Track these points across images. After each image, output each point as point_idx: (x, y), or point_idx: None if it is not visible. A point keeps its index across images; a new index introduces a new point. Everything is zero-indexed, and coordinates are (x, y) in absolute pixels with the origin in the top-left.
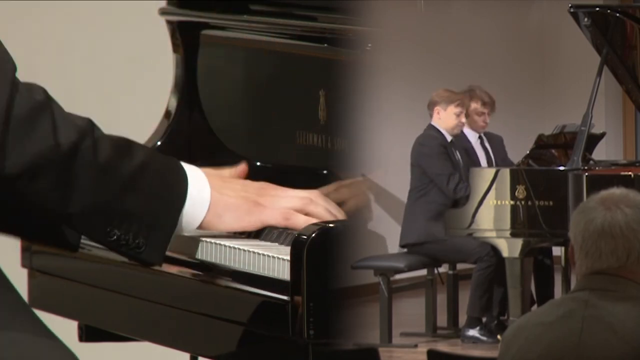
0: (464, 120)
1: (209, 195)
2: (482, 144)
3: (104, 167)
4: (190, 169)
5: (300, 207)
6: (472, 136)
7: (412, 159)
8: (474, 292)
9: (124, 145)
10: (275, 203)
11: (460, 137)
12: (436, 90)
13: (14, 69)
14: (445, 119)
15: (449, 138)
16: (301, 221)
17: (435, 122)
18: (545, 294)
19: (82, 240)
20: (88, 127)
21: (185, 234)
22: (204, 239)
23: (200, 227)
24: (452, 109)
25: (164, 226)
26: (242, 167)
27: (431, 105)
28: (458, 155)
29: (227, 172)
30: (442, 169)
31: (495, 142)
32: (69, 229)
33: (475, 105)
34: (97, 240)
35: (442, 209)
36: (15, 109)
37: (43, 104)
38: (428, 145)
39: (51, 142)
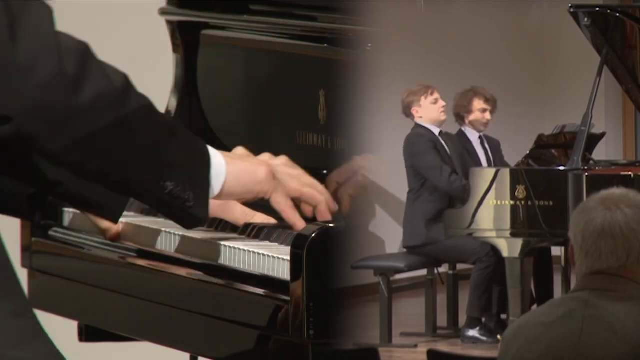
0: (442, 103)
1: (223, 160)
2: (482, 144)
3: (151, 110)
4: None
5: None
6: (472, 135)
7: (405, 159)
8: (473, 292)
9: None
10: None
11: (461, 138)
12: (404, 93)
13: (52, 10)
14: (426, 113)
15: (436, 131)
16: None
17: (418, 121)
18: (545, 294)
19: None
20: (128, 77)
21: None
22: (204, 239)
23: (222, 191)
24: (426, 100)
25: (202, 181)
26: None
27: (407, 109)
28: (449, 146)
29: None
30: (433, 162)
31: (493, 145)
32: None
33: (478, 102)
34: (151, 196)
35: (440, 208)
36: (64, 45)
37: (87, 46)
38: (417, 143)
39: (107, 81)
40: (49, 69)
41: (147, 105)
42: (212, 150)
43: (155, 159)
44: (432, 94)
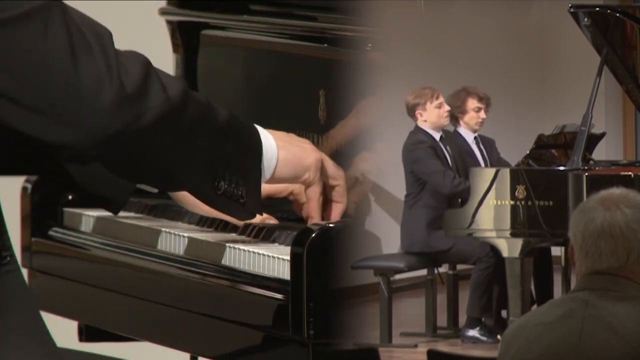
0: (447, 108)
1: (275, 144)
2: (477, 144)
3: (207, 116)
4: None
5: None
6: (468, 137)
7: (404, 164)
8: (473, 293)
9: (209, 100)
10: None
11: (457, 138)
12: (410, 95)
13: (110, 33)
14: (430, 117)
15: (437, 136)
16: (314, 197)
17: (420, 124)
18: (545, 294)
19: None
20: (184, 82)
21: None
22: (204, 239)
23: (272, 176)
24: (431, 105)
25: (253, 175)
26: None
27: (411, 111)
28: (449, 150)
29: None
30: (435, 167)
31: (487, 145)
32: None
33: (472, 101)
34: (206, 196)
35: (438, 214)
36: (125, 66)
37: (148, 62)
38: (417, 150)
39: (166, 96)
40: (110, 96)
41: (203, 110)
42: (264, 134)
43: (211, 162)
44: (437, 98)
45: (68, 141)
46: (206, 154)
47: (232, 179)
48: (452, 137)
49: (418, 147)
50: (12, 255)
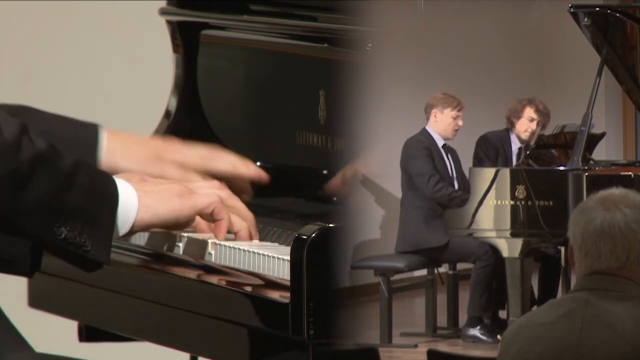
0: (460, 123)
1: (135, 193)
2: (519, 153)
3: (46, 160)
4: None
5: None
6: (515, 143)
7: (401, 162)
8: (473, 291)
9: (53, 145)
10: (200, 190)
11: (504, 138)
12: (435, 93)
13: None
14: (442, 122)
15: (440, 143)
16: (224, 212)
17: (430, 125)
18: (547, 294)
19: None
20: (24, 124)
21: (121, 236)
22: (204, 239)
23: (133, 226)
24: (449, 112)
25: (103, 224)
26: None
27: (428, 108)
28: (450, 160)
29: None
30: (423, 169)
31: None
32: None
33: (529, 110)
34: (46, 242)
35: (432, 213)
36: None
37: None
38: (413, 148)
39: None
40: None
41: (40, 154)
42: (123, 186)
43: (48, 207)
44: (458, 110)
45: None
46: (46, 199)
47: (76, 227)
48: (455, 153)
49: (414, 145)
50: None
